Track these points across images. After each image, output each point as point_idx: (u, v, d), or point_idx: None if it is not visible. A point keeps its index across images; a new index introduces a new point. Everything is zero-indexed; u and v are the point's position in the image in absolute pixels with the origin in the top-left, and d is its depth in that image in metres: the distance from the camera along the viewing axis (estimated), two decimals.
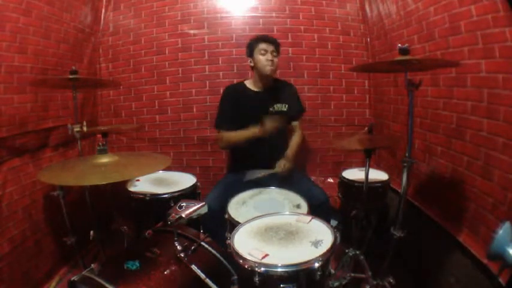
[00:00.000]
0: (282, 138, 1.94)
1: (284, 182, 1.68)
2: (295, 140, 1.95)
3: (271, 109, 1.90)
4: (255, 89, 1.94)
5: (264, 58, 1.83)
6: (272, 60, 1.83)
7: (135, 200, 1.66)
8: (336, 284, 1.41)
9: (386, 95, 2.28)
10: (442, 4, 1.54)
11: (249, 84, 1.96)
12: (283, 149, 1.85)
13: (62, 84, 1.83)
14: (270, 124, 1.66)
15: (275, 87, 1.95)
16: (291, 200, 1.52)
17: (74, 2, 2.19)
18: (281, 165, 1.74)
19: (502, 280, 1.05)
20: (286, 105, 1.94)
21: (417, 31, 1.78)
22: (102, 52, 2.59)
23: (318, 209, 1.57)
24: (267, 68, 1.83)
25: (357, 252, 1.60)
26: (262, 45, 1.84)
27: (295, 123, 2.01)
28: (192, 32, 2.50)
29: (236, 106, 1.88)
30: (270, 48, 1.84)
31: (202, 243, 1.25)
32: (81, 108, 2.26)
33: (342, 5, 2.49)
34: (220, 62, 2.51)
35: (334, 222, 1.62)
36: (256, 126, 1.70)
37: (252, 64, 1.90)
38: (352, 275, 1.54)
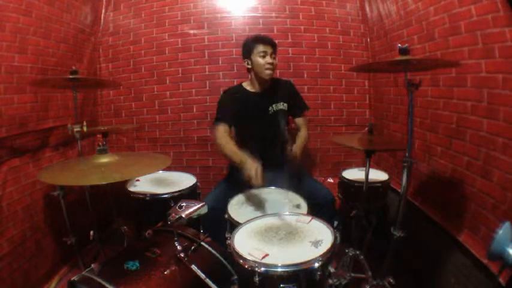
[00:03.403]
0: (283, 139, 1.93)
1: (292, 181, 1.65)
2: (301, 135, 1.91)
3: (270, 109, 1.88)
4: (253, 90, 1.91)
5: (263, 61, 1.78)
6: (272, 63, 1.79)
7: (135, 200, 1.66)
8: (336, 283, 1.41)
9: (386, 95, 2.28)
10: (442, 4, 1.54)
11: (247, 85, 1.94)
12: (283, 150, 1.84)
13: (62, 84, 1.83)
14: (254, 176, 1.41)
15: (273, 87, 1.91)
16: (291, 200, 1.52)
17: (74, 2, 2.19)
18: (294, 152, 1.72)
19: (502, 280, 1.05)
20: (286, 104, 1.91)
21: (417, 31, 1.78)
22: (102, 52, 2.60)
23: (324, 208, 1.58)
24: (267, 72, 1.79)
25: (357, 252, 1.60)
26: (261, 47, 1.78)
27: (299, 120, 1.98)
28: (192, 32, 2.50)
29: (235, 108, 1.84)
30: (269, 50, 1.79)
31: (202, 243, 1.25)
32: (81, 108, 2.26)
33: (342, 5, 2.49)
34: (220, 62, 2.51)
35: (334, 222, 1.63)
36: (248, 157, 1.49)
37: (249, 66, 1.85)
38: (352, 275, 1.54)
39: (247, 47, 1.84)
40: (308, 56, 2.49)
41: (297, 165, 1.73)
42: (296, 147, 1.80)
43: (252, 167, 1.42)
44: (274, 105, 1.89)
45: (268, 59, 1.79)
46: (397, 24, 2.00)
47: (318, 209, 1.45)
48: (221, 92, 1.98)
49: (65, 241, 1.69)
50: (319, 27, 2.48)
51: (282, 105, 1.91)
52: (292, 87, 2.01)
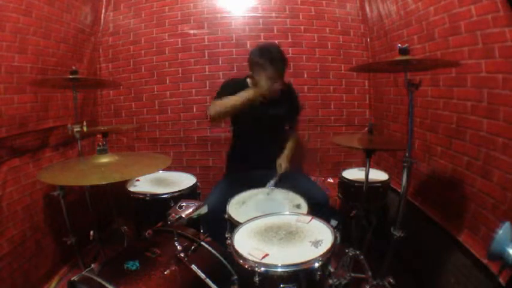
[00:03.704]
0: (280, 138, 1.93)
1: (283, 183, 1.66)
2: (290, 145, 1.90)
3: (270, 108, 1.87)
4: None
5: (270, 85, 1.61)
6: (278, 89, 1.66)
7: (135, 200, 1.66)
8: (336, 283, 1.41)
9: (386, 95, 2.28)
10: (442, 4, 1.54)
11: (250, 84, 1.92)
12: (280, 149, 1.84)
13: (62, 84, 1.83)
14: (267, 84, 1.48)
15: None
16: (291, 200, 1.52)
17: (74, 2, 2.19)
18: (281, 166, 1.73)
19: (502, 280, 1.05)
20: (285, 105, 1.88)
21: (417, 31, 1.78)
22: (102, 52, 2.60)
23: (318, 210, 1.57)
24: (271, 95, 1.66)
25: (357, 252, 1.60)
26: (271, 71, 1.61)
27: (291, 124, 1.97)
28: (192, 32, 2.51)
29: None
30: (279, 75, 1.65)
31: (202, 243, 1.25)
32: (81, 108, 2.26)
33: (342, 5, 2.49)
34: (220, 62, 2.51)
35: (334, 222, 1.62)
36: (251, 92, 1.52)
37: (254, 81, 1.71)
38: (352, 275, 1.54)
39: (255, 62, 1.67)
40: (308, 56, 2.49)
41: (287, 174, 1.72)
42: (283, 160, 1.77)
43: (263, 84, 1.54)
44: (274, 106, 1.88)
45: (276, 86, 1.64)
46: (397, 24, 2.00)
47: (313, 210, 1.45)
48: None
49: (65, 241, 1.69)
50: (319, 27, 2.48)
51: (282, 106, 1.90)
52: (290, 87, 2.00)
